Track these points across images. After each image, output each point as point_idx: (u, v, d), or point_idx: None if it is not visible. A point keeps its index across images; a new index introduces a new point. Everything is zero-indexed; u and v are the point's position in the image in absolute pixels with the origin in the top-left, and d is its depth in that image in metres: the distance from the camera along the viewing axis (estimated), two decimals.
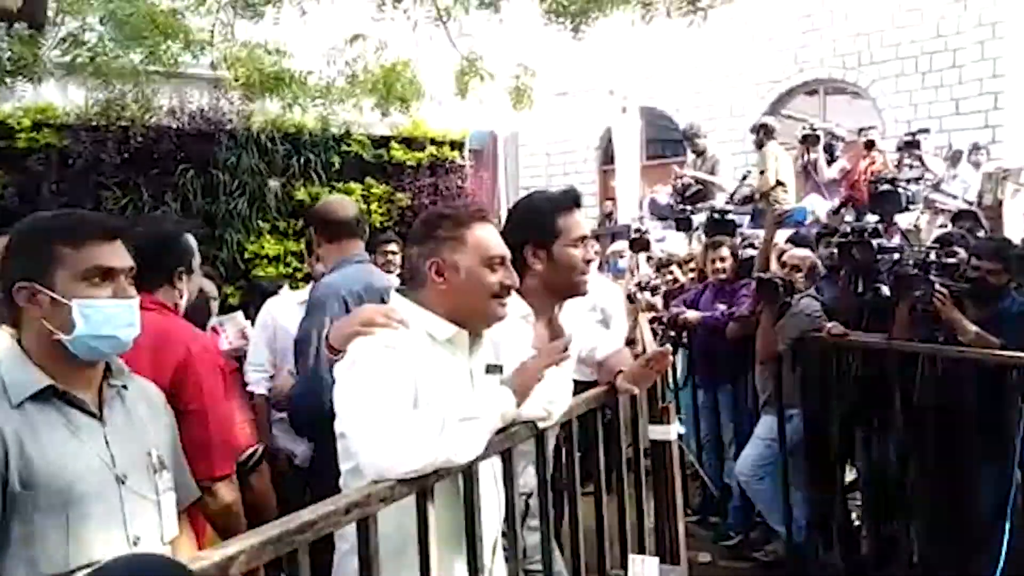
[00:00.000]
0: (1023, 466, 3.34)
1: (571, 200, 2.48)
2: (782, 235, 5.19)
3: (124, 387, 1.71)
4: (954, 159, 7.77)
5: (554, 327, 2.48)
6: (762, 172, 7.66)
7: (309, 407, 2.64)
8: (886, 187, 4.46)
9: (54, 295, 1.56)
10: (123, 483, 1.60)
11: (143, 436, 1.70)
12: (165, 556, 1.25)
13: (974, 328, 3.49)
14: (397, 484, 1.66)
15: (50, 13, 4.91)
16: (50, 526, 1.49)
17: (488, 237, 1.98)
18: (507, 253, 2.01)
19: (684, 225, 6.92)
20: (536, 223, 2.40)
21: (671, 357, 2.64)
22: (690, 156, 8.58)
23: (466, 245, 1.94)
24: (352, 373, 1.82)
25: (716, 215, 5.85)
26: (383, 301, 2.65)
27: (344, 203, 3.25)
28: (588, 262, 2.43)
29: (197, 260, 2.68)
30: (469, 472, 1.84)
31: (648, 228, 7.57)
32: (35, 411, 1.53)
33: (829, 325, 4.02)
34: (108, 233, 1.63)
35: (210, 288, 3.67)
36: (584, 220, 2.51)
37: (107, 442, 1.61)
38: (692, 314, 5.02)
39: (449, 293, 1.94)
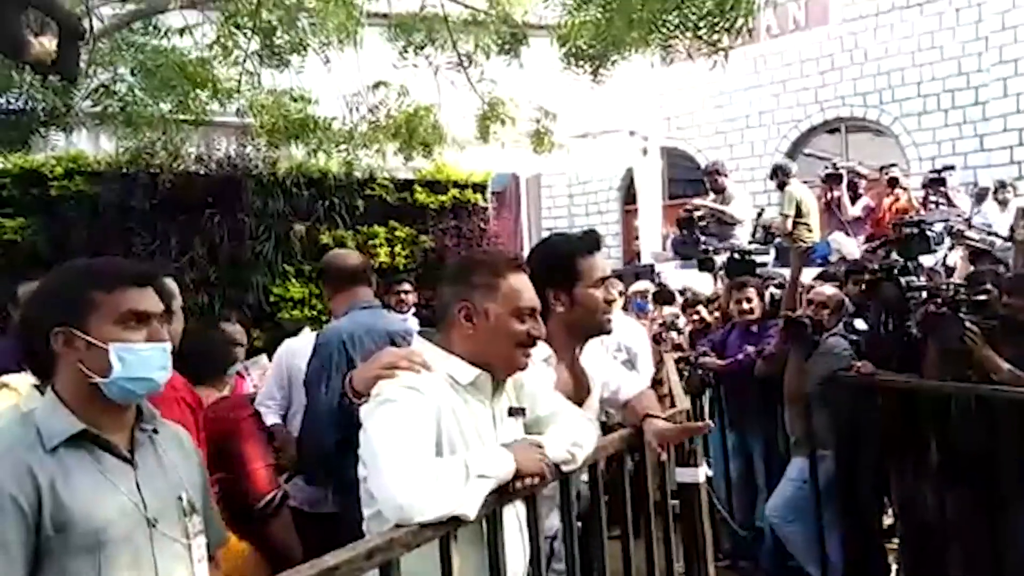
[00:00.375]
0: None
1: (592, 242, 2.49)
2: (809, 273, 5.16)
3: (155, 431, 1.74)
4: (979, 197, 7.71)
5: (576, 370, 2.46)
6: (783, 215, 7.66)
7: (310, 445, 2.67)
8: (912, 229, 4.41)
9: (91, 339, 1.59)
10: (154, 527, 1.62)
11: (174, 479, 1.72)
12: None
13: (1007, 366, 3.41)
14: (420, 529, 1.63)
15: (82, 64, 5.03)
16: (81, 569, 1.51)
17: (521, 288, 1.99)
18: (538, 305, 2.02)
19: (707, 265, 6.89)
20: (557, 266, 2.41)
21: (709, 429, 2.61)
22: (711, 195, 8.58)
23: (499, 292, 1.95)
24: (375, 416, 1.81)
25: (736, 255, 5.81)
26: (393, 343, 2.67)
27: (348, 254, 3.49)
28: (610, 302, 2.42)
29: (178, 302, 2.73)
30: (493, 516, 1.81)
31: (666, 274, 7.59)
32: (68, 455, 1.56)
33: (859, 364, 3.95)
34: (141, 278, 1.68)
35: (239, 334, 3.70)
36: (605, 261, 2.51)
37: (138, 485, 1.63)
38: (715, 362, 4.97)
39: (475, 338, 1.94)
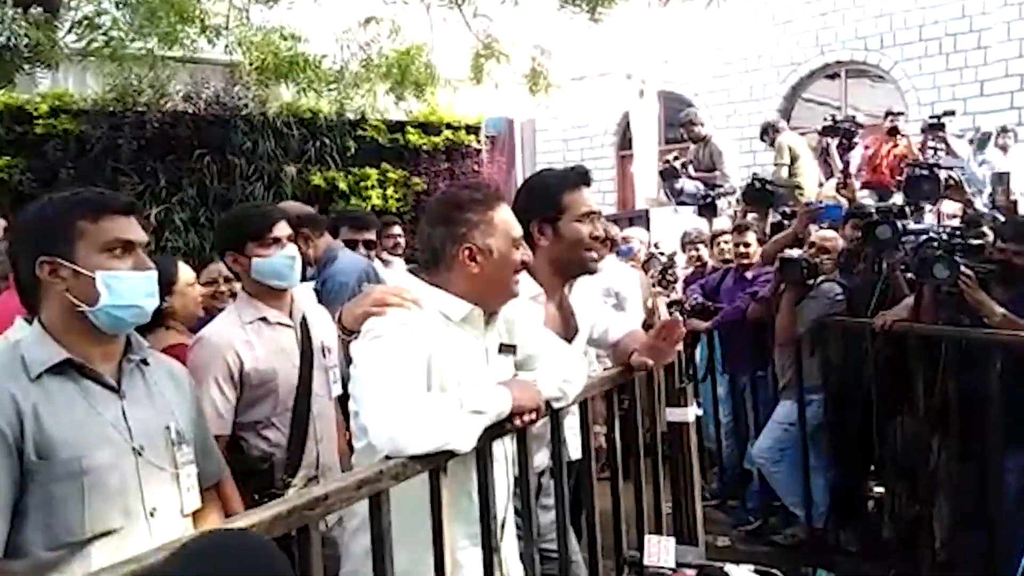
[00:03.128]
0: None
1: (579, 176, 2.46)
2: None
3: (144, 362, 1.74)
4: (981, 142, 7.63)
5: (564, 308, 2.45)
6: (778, 164, 7.58)
7: None
8: (923, 172, 4.33)
9: (77, 267, 1.59)
10: (140, 455, 1.64)
11: (163, 409, 1.73)
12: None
13: (1001, 310, 3.41)
14: (410, 461, 1.63)
15: None
16: (66, 495, 1.54)
17: (510, 218, 1.99)
18: (521, 232, 2.01)
19: (709, 211, 6.76)
20: (543, 200, 2.39)
21: (683, 328, 2.59)
22: (691, 146, 8.49)
23: (496, 227, 1.94)
24: (366, 352, 1.79)
25: (757, 182, 5.69)
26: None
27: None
28: (596, 238, 2.39)
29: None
30: (483, 451, 1.81)
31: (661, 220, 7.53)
32: (52, 384, 1.57)
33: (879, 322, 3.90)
34: (126, 207, 1.67)
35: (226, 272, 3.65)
36: (593, 197, 2.48)
37: (124, 414, 1.64)
38: (702, 325, 4.96)
39: (480, 276, 1.93)
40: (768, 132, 7.95)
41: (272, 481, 2.35)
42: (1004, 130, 8.24)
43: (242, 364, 2.42)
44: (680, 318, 2.79)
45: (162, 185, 6.52)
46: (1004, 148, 7.94)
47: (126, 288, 1.62)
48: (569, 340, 2.38)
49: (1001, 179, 5.10)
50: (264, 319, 2.52)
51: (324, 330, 2.64)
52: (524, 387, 1.90)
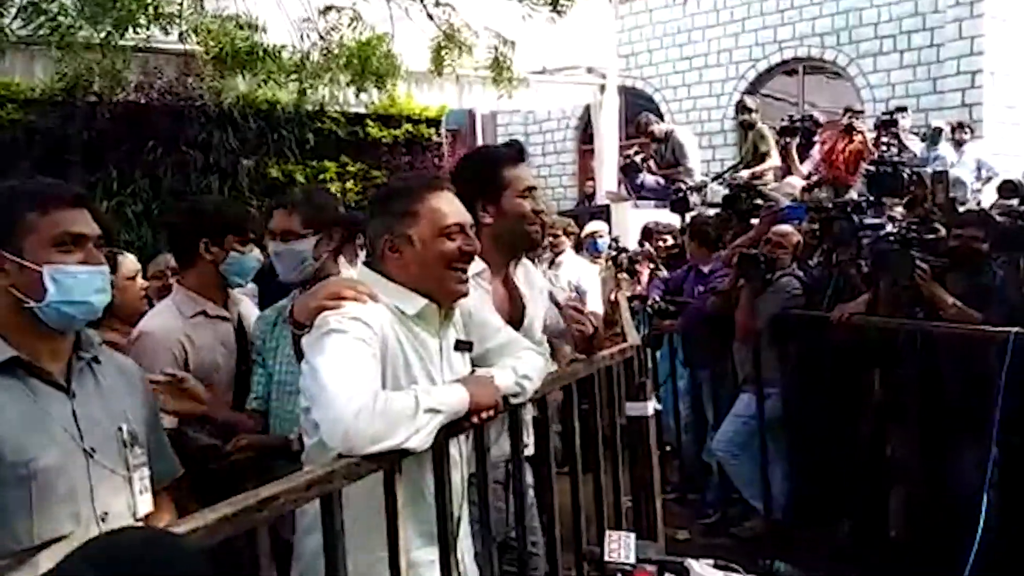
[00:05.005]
0: (1001, 442, 3.32)
1: (516, 152, 2.47)
2: None
3: (96, 360, 1.67)
4: (933, 138, 7.77)
5: (510, 286, 2.44)
6: (767, 153, 7.61)
7: None
8: (887, 169, 4.41)
9: (23, 261, 1.52)
10: (91, 457, 1.57)
11: (114, 409, 1.66)
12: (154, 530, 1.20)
13: (955, 302, 3.46)
14: (363, 460, 1.59)
15: None
16: (14, 501, 1.47)
17: (443, 206, 1.92)
18: (467, 220, 1.96)
19: (680, 207, 6.68)
20: (483, 177, 2.37)
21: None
22: (652, 145, 8.54)
23: (419, 216, 1.89)
24: (319, 347, 1.75)
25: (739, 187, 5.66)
26: None
27: None
28: (538, 212, 2.39)
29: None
30: (438, 449, 1.78)
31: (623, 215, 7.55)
32: None
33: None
34: (77, 199, 1.60)
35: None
36: (529, 171, 2.49)
37: (75, 415, 1.57)
38: (667, 324, 4.99)
39: (406, 267, 1.89)
40: (742, 111, 8.00)
41: (216, 454, 2.31)
42: (960, 126, 8.40)
43: (187, 357, 2.40)
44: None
45: (113, 177, 6.36)
46: (959, 143, 8.09)
47: (75, 284, 1.54)
48: (517, 319, 2.36)
49: (940, 177, 5.18)
50: (204, 312, 2.51)
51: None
52: (481, 384, 1.86)
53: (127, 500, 1.63)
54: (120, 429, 1.64)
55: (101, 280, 1.60)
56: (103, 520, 1.57)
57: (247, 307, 2.73)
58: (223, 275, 2.54)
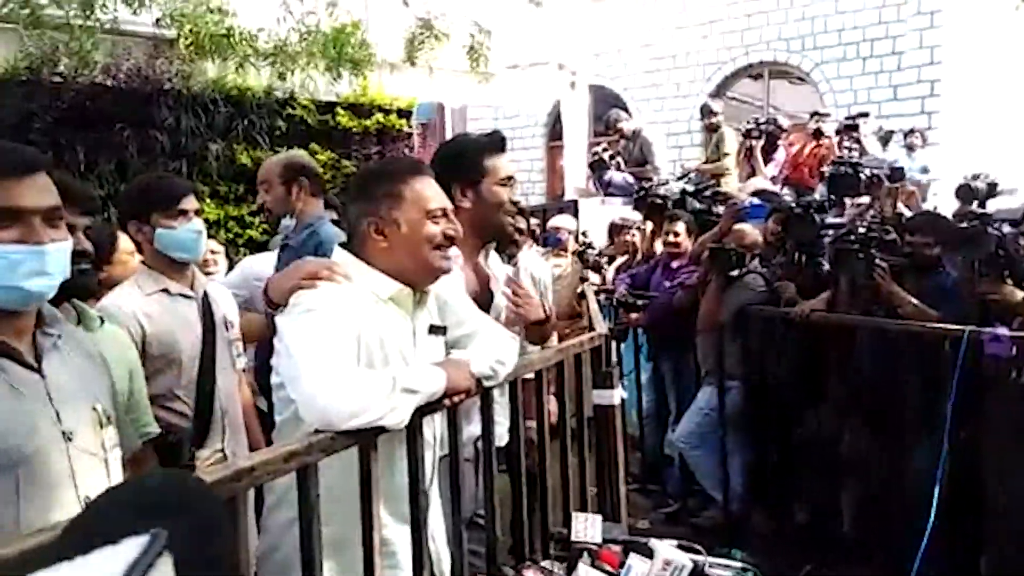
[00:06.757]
0: (952, 437, 3.43)
1: (498, 141, 2.50)
2: None
3: (59, 336, 1.54)
4: (884, 140, 7.94)
5: (480, 272, 2.48)
6: (721, 156, 7.73)
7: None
8: (847, 169, 4.54)
9: None
10: (70, 440, 1.47)
11: (87, 389, 1.55)
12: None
13: (912, 300, 3.57)
14: (339, 435, 1.62)
15: None
16: (1, 489, 1.38)
17: (427, 190, 1.95)
18: (449, 204, 1.99)
19: (642, 205, 6.77)
20: (464, 163, 2.41)
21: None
22: (620, 142, 8.62)
23: (404, 200, 1.91)
24: (295, 324, 1.77)
25: (660, 200, 5.73)
26: None
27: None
28: (515, 203, 2.46)
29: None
30: (412, 427, 1.81)
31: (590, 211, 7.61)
32: None
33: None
34: (20, 167, 1.40)
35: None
36: (509, 162, 2.53)
37: (50, 397, 1.46)
38: (634, 317, 5.04)
39: (390, 251, 1.91)
40: (707, 114, 8.10)
41: (180, 454, 2.30)
42: (912, 131, 8.61)
43: (144, 333, 2.38)
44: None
45: (80, 159, 6.27)
46: (911, 148, 8.28)
47: (5, 265, 1.36)
48: (485, 305, 2.41)
49: (890, 193, 5.32)
50: (165, 290, 2.49)
51: (225, 305, 2.66)
52: (457, 367, 1.90)
53: (105, 482, 1.53)
54: (95, 409, 1.55)
55: (39, 261, 1.39)
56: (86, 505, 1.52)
57: (216, 289, 2.72)
58: (164, 252, 2.49)
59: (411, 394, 1.73)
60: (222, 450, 2.48)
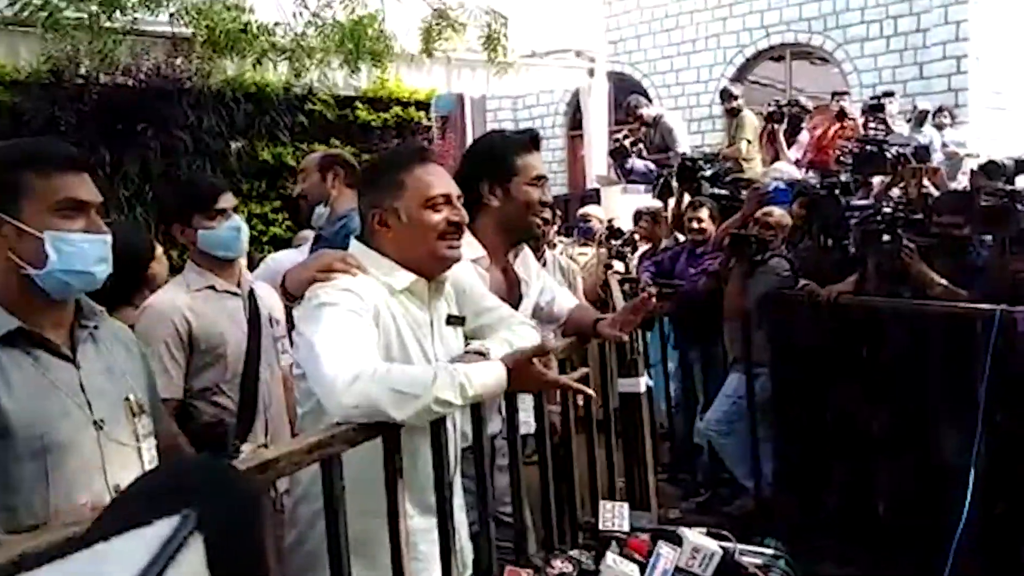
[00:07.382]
0: (986, 418, 3.36)
1: (531, 140, 2.46)
2: None
3: (96, 328, 1.62)
4: (919, 120, 7.81)
5: (509, 273, 2.45)
6: (745, 139, 7.63)
7: None
8: (872, 148, 4.46)
9: (24, 226, 1.45)
10: (101, 429, 1.53)
11: (120, 380, 1.62)
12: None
13: (942, 281, 3.50)
14: (362, 427, 1.61)
15: None
16: (27, 475, 1.44)
17: (429, 177, 1.91)
18: (452, 190, 1.94)
19: (664, 193, 6.70)
20: (495, 160, 2.38)
21: (654, 300, 2.60)
22: (641, 129, 8.56)
23: (405, 188, 1.89)
24: (313, 317, 1.76)
25: (688, 161, 5.71)
26: None
27: None
28: (545, 204, 2.41)
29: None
30: (436, 420, 1.79)
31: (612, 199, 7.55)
32: (5, 355, 1.45)
33: (805, 282, 4.00)
34: (79, 164, 1.53)
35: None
36: (541, 161, 2.48)
37: (82, 387, 1.53)
38: (662, 306, 4.98)
39: (395, 241, 1.90)
40: (729, 98, 8.02)
41: (225, 446, 2.33)
42: (941, 110, 8.45)
43: (190, 327, 2.43)
44: (653, 290, 2.79)
45: (106, 161, 6.31)
46: (940, 127, 8.14)
47: (76, 252, 1.47)
48: (514, 306, 2.38)
49: (915, 174, 5.22)
50: (212, 287, 2.54)
51: (271, 302, 2.68)
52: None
53: (138, 471, 1.58)
54: (128, 399, 1.61)
55: (103, 249, 1.53)
56: (116, 493, 1.52)
57: (262, 287, 2.76)
58: (208, 252, 2.55)
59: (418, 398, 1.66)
60: (265, 444, 2.49)
